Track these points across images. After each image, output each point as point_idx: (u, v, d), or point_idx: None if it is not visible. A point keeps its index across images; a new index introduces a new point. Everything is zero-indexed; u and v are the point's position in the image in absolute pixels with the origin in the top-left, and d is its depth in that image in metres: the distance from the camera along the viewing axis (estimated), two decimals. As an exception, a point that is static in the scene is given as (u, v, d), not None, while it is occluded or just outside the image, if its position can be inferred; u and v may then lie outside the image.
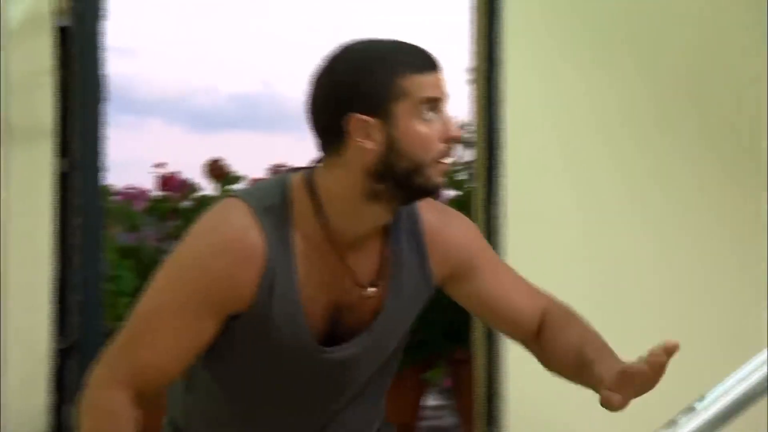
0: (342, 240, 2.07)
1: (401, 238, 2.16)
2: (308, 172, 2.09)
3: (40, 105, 3.42)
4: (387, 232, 2.14)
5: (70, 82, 3.41)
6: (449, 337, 4.84)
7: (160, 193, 4.94)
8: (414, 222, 2.18)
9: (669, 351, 1.90)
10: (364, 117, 1.98)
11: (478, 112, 3.83)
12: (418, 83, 2.00)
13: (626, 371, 1.95)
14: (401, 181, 2.01)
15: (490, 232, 3.69)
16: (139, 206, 4.93)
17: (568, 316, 2.26)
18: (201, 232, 2.06)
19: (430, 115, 2.01)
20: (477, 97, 3.82)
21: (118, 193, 4.91)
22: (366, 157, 2.00)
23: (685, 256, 3.97)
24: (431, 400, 5.39)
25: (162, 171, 5.00)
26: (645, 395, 2.00)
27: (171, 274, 2.05)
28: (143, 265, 4.45)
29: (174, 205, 4.84)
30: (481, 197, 3.80)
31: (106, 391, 2.02)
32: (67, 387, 3.42)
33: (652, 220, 3.95)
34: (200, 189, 4.98)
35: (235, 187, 4.92)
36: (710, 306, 3.95)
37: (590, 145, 3.91)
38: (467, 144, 4.27)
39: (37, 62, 3.41)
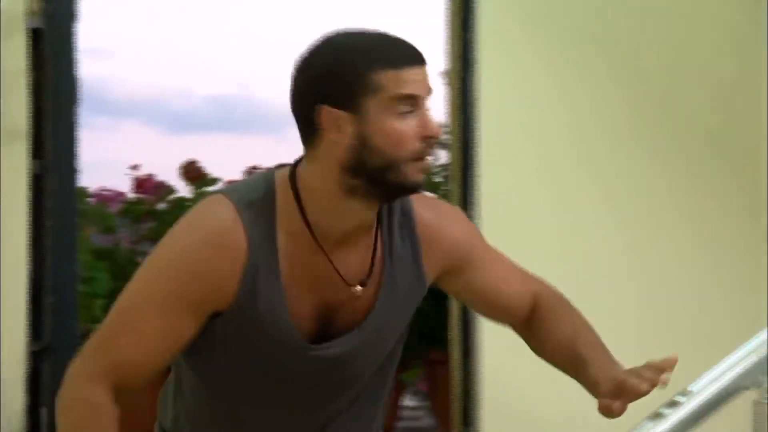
0: (327, 236, 2.02)
1: (394, 235, 2.10)
2: (293, 166, 2.05)
3: (15, 106, 3.41)
4: (380, 228, 2.09)
5: (43, 84, 3.41)
6: (425, 338, 4.85)
7: (135, 195, 4.94)
8: (408, 218, 2.12)
9: (670, 367, 1.93)
10: (335, 110, 1.94)
11: (452, 113, 3.85)
12: (393, 79, 1.93)
13: (624, 383, 1.96)
14: (375, 178, 1.95)
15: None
16: (115, 208, 4.92)
17: (559, 303, 2.25)
18: (183, 227, 2.03)
19: (407, 111, 1.94)
20: (451, 99, 3.84)
21: (93, 195, 4.90)
22: (338, 151, 1.95)
23: (657, 255, 4.01)
24: (407, 401, 5.41)
25: (137, 173, 4.99)
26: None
27: (152, 269, 2.03)
28: (118, 267, 4.45)
29: (149, 207, 4.83)
30: (456, 198, 3.82)
31: (84, 384, 1.99)
32: (42, 389, 3.42)
33: (624, 220, 3.99)
34: (176, 191, 4.97)
35: (210, 189, 4.92)
36: (681, 304, 3.99)
37: (563, 146, 3.94)
38: (442, 145, 4.29)
39: (11, 64, 3.40)
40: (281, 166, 2.07)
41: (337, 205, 1.99)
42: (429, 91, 1.98)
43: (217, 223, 1.98)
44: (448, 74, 3.85)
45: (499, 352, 3.75)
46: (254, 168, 4.98)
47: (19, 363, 3.40)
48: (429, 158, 1.98)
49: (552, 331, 2.20)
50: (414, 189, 1.99)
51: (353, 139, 1.94)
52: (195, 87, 7.76)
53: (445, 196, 4.60)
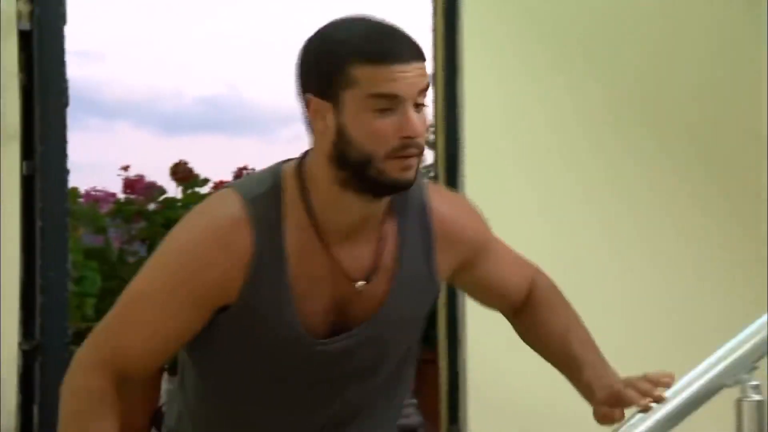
0: (333, 230, 1.98)
1: (410, 229, 2.05)
2: (302, 158, 2.01)
3: (8, 108, 3.42)
4: (396, 222, 2.04)
5: (33, 86, 3.42)
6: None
7: (125, 195, 4.95)
8: (424, 213, 2.07)
9: (665, 384, 1.96)
10: (319, 100, 1.91)
11: (437, 116, 3.86)
12: (369, 75, 1.87)
13: (621, 394, 1.98)
14: (357, 172, 1.91)
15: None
16: (106, 209, 4.93)
17: (553, 292, 2.25)
18: (190, 221, 2.01)
19: (387, 109, 1.87)
20: (436, 102, 3.86)
21: (84, 195, 4.92)
22: (325, 142, 1.92)
23: (641, 255, 4.03)
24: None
25: (128, 174, 5.01)
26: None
27: (158, 261, 2.02)
28: (109, 266, 4.47)
29: (139, 207, 4.85)
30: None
31: (87, 371, 1.99)
32: (33, 388, 3.43)
33: (608, 220, 4.01)
34: (166, 192, 4.99)
35: (200, 190, 4.95)
36: (666, 303, 4.01)
37: (547, 147, 3.95)
38: (428, 145, 4.31)
39: (7, 65, 3.42)
40: (290, 159, 2.03)
41: (336, 198, 1.96)
42: (413, 89, 1.88)
43: (223, 219, 1.95)
44: (433, 76, 3.86)
45: (486, 350, 3.78)
46: (243, 168, 5.01)
47: (13, 362, 3.41)
48: (413, 157, 1.91)
49: (545, 322, 2.20)
50: (395, 187, 1.92)
51: (334, 130, 1.91)
52: (186, 89, 7.77)
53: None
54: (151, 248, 4.70)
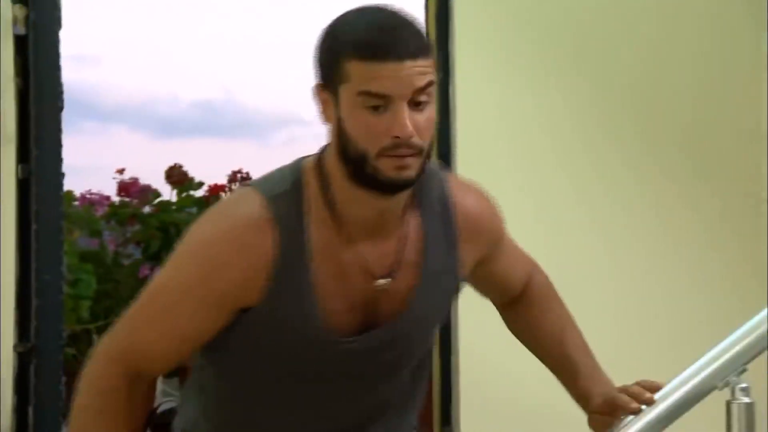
0: (355, 226, 1.95)
1: (432, 224, 2.02)
2: (321, 152, 1.99)
3: (4, 112, 3.42)
4: (419, 216, 2.01)
5: (28, 90, 3.42)
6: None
7: (119, 198, 4.96)
8: (447, 207, 2.04)
9: (655, 390, 1.99)
10: (323, 90, 1.89)
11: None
12: (359, 72, 1.82)
13: (616, 400, 2.01)
14: (356, 168, 1.87)
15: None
16: (101, 212, 4.93)
17: (548, 289, 2.26)
18: (210, 220, 1.99)
19: (380, 106, 1.83)
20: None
21: (78, 198, 4.92)
22: (332, 134, 1.90)
23: (632, 258, 4.05)
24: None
25: (123, 177, 5.01)
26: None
27: (177, 260, 1.98)
28: (104, 269, 4.48)
29: (134, 210, 4.86)
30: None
31: (104, 366, 1.97)
32: (29, 390, 3.44)
33: (599, 221, 4.03)
34: (161, 195, 5.00)
35: (194, 193, 4.96)
36: (658, 304, 4.02)
37: (539, 149, 3.97)
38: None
39: (4, 68, 3.42)
40: (309, 155, 2.01)
41: (350, 193, 1.92)
42: (405, 89, 1.82)
43: (244, 219, 1.92)
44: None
45: (478, 352, 3.78)
46: (238, 172, 5.02)
47: (8, 364, 3.42)
48: (407, 157, 1.85)
49: (539, 320, 2.23)
50: (391, 186, 1.88)
51: (336, 123, 1.89)
52: (181, 92, 7.77)
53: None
54: (145, 251, 4.71)
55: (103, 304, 4.38)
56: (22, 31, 3.40)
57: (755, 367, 2.06)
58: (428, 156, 1.90)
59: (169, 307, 1.96)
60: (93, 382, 1.98)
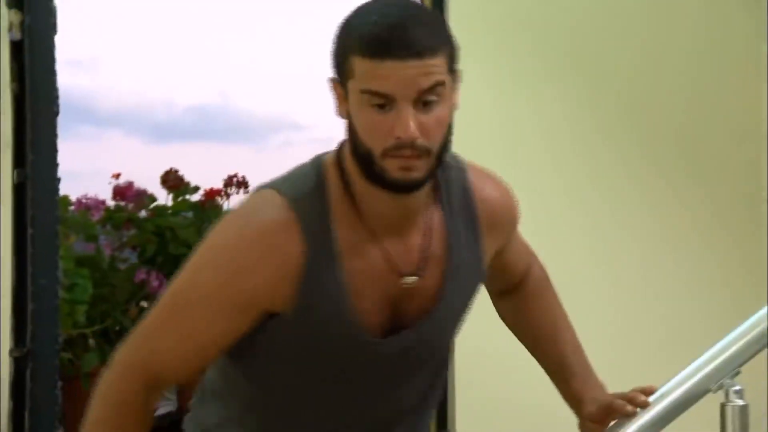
0: (379, 223, 1.90)
1: (454, 217, 1.98)
2: (339, 147, 1.94)
3: (1, 117, 3.43)
4: (442, 211, 1.97)
5: (24, 95, 3.43)
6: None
7: (114, 203, 4.96)
8: (468, 198, 2.01)
9: (649, 393, 1.99)
10: (337, 84, 1.85)
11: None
12: (363, 69, 1.77)
13: (612, 406, 2.01)
14: (365, 166, 1.83)
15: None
16: (97, 216, 4.94)
17: (545, 284, 2.25)
18: (229, 224, 1.92)
19: (383, 104, 1.78)
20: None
21: (75, 203, 4.93)
22: (345, 128, 1.86)
23: (627, 261, 4.05)
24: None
25: (118, 182, 5.02)
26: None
27: (195, 265, 1.92)
28: (100, 273, 4.48)
29: (130, 215, 4.86)
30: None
31: (123, 376, 1.92)
32: (24, 394, 3.44)
33: (594, 224, 4.03)
34: (156, 199, 5.00)
35: (190, 197, 4.97)
36: (651, 306, 4.03)
37: (534, 153, 3.97)
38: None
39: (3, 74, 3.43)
40: (328, 151, 1.96)
41: (367, 189, 1.87)
42: (408, 89, 1.76)
43: (267, 222, 1.86)
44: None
45: (473, 354, 3.78)
46: (233, 176, 5.03)
47: (5, 369, 3.42)
48: (411, 158, 1.80)
49: (534, 314, 2.22)
50: (396, 186, 1.83)
51: (348, 118, 1.85)
52: (177, 97, 7.77)
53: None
54: (141, 255, 4.72)
55: (99, 309, 4.38)
56: (17, 36, 3.41)
57: (756, 367, 2.06)
58: (439, 157, 1.84)
59: (196, 310, 1.90)
60: (111, 394, 1.93)
